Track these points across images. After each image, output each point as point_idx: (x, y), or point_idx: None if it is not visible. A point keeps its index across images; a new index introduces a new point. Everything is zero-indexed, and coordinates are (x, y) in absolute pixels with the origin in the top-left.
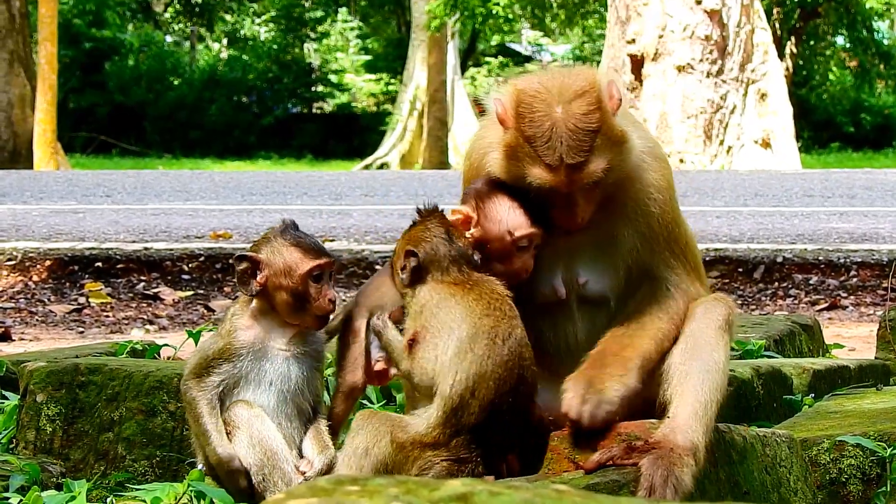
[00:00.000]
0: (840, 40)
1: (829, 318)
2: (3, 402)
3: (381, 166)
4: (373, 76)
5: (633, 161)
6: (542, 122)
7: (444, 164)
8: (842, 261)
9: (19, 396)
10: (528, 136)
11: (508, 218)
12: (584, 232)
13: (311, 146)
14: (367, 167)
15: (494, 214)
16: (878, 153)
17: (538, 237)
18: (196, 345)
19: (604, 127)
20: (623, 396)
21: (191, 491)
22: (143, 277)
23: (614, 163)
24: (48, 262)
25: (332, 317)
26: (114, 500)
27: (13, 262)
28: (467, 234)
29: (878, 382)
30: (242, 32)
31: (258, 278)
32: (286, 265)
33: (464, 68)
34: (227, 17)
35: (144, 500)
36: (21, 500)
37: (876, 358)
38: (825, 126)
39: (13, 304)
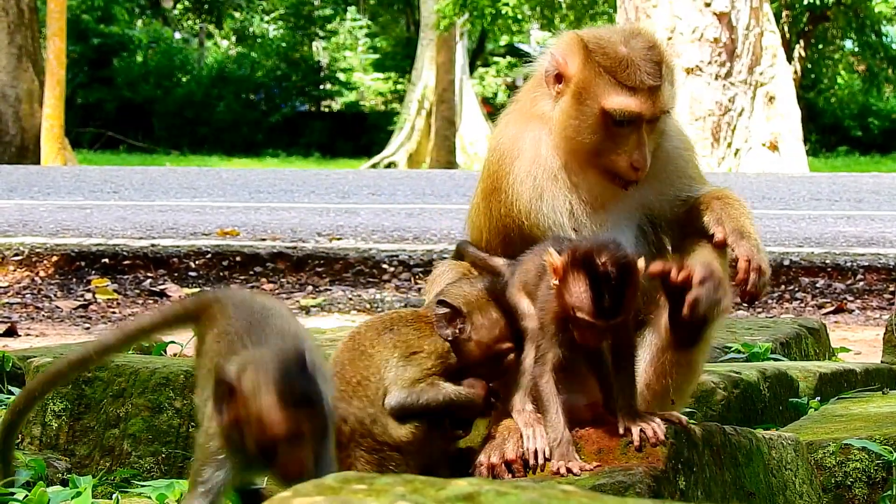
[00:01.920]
0: (849, 44)
1: (836, 322)
2: (8, 398)
3: (389, 165)
4: (381, 75)
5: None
6: (616, 52)
7: (451, 163)
8: (848, 264)
9: None
10: (606, 65)
11: (581, 297)
12: (621, 207)
13: (318, 144)
14: (374, 166)
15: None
16: (885, 157)
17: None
18: None
19: (666, 64)
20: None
21: None
22: (149, 274)
23: (674, 102)
24: (55, 258)
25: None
26: (119, 497)
27: (20, 258)
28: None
29: (884, 386)
30: (251, 30)
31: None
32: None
33: (472, 68)
34: (236, 15)
35: (150, 497)
36: (26, 496)
37: (882, 362)
38: (833, 130)
39: (20, 300)
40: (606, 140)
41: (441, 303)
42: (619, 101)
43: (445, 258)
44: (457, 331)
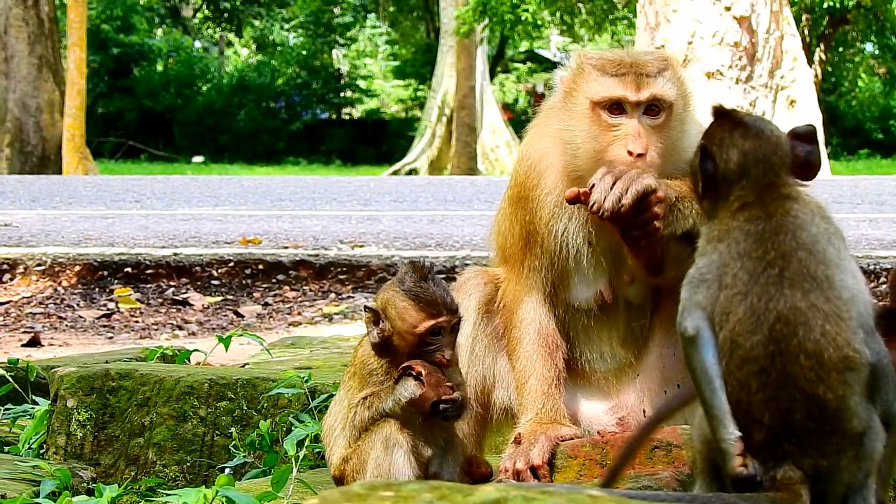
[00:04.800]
0: (869, 47)
1: None
2: (33, 408)
3: (410, 172)
4: (401, 82)
5: (690, 142)
6: (611, 54)
7: (472, 170)
8: (872, 267)
9: (50, 401)
10: (598, 65)
11: None
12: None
13: (339, 152)
14: (395, 173)
15: None
16: None
17: None
18: (226, 350)
19: (672, 71)
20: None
21: (220, 497)
22: (172, 283)
23: (680, 112)
24: (77, 268)
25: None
26: None
27: (43, 268)
28: None
29: None
30: (271, 38)
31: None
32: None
33: (492, 74)
34: (256, 23)
35: None
36: None
37: None
38: (854, 133)
39: (43, 310)
40: (601, 135)
41: (365, 308)
42: (603, 88)
43: (469, 264)
44: (381, 330)
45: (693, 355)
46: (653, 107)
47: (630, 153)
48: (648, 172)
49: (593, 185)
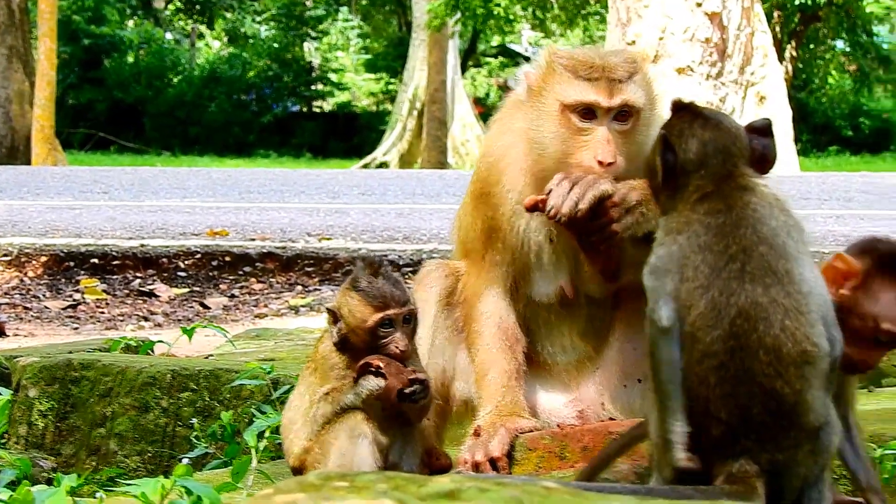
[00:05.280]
0: (840, 44)
1: None
2: None
3: (381, 165)
4: (373, 75)
5: None
6: (581, 54)
7: (443, 163)
8: None
9: (11, 391)
10: (568, 65)
11: (886, 303)
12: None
13: (310, 145)
14: (365, 166)
15: (875, 292)
16: (876, 157)
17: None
18: (190, 341)
19: (642, 75)
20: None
21: (179, 487)
22: (138, 274)
23: (647, 116)
24: (44, 258)
25: None
26: (104, 496)
27: (9, 258)
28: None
29: (869, 384)
30: (242, 30)
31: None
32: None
33: (464, 68)
34: (228, 15)
35: (134, 496)
36: (11, 496)
37: None
38: (824, 130)
39: (8, 300)
40: (570, 139)
41: (326, 309)
42: (576, 92)
43: (435, 258)
44: (339, 329)
45: (663, 346)
46: (623, 112)
47: (600, 162)
48: (606, 177)
49: (550, 191)
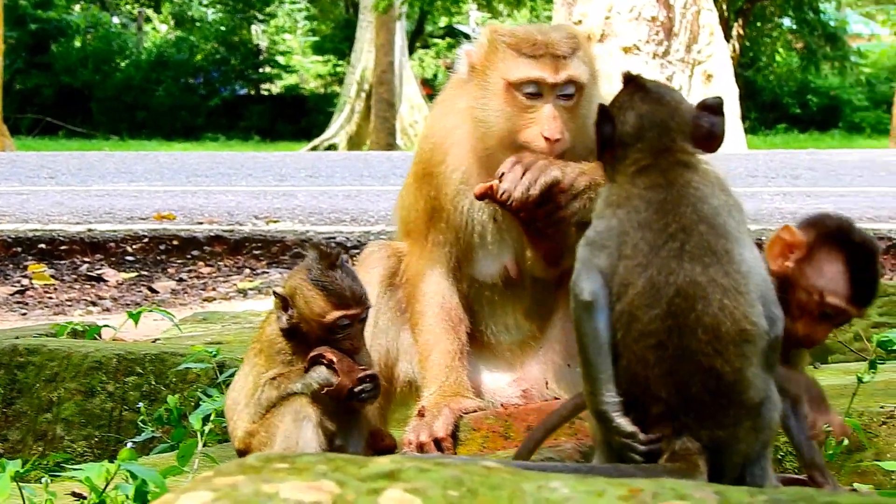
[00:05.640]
0: (787, 22)
1: None
2: None
3: (329, 148)
4: (320, 58)
5: None
6: (524, 31)
7: (391, 145)
8: None
9: None
10: (511, 43)
11: (831, 277)
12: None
13: (258, 128)
14: (314, 149)
15: (820, 265)
16: (824, 134)
17: (834, 321)
18: (136, 325)
19: (583, 50)
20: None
21: (123, 471)
22: (86, 259)
23: (590, 92)
24: None
25: None
26: (49, 481)
27: None
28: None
29: (814, 361)
30: (190, 14)
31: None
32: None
33: (411, 50)
34: None
35: (80, 481)
36: None
37: None
38: (772, 107)
39: None
40: (516, 116)
41: (274, 293)
42: (520, 70)
43: (383, 239)
44: (290, 316)
45: (585, 320)
46: (567, 88)
47: (547, 139)
48: (556, 164)
49: (502, 175)
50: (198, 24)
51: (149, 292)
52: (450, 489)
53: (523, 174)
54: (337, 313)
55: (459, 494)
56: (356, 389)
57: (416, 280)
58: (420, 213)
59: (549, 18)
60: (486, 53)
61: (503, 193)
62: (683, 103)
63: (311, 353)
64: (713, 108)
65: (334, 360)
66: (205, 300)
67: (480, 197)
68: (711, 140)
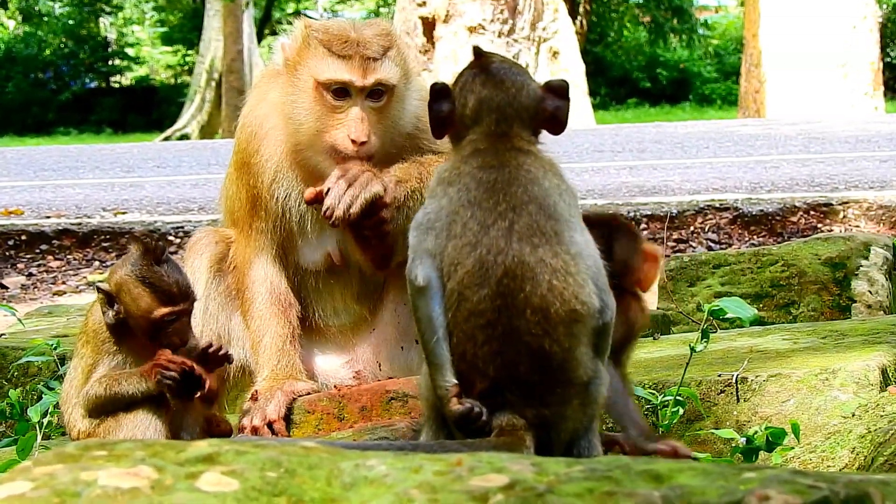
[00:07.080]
0: None
1: None
2: None
3: (182, 138)
4: (169, 48)
5: (415, 114)
6: (336, 29)
7: None
8: (631, 214)
9: None
10: (323, 40)
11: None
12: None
13: (110, 121)
14: (167, 139)
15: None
16: (675, 107)
17: None
18: None
19: (396, 49)
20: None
21: None
22: None
23: (402, 92)
24: None
25: None
26: None
27: None
28: None
29: (655, 332)
30: (37, 8)
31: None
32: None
33: (260, 37)
34: None
35: None
36: None
37: (657, 308)
38: (622, 82)
39: None
40: (325, 116)
41: (97, 288)
42: (329, 70)
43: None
44: (116, 312)
45: (421, 305)
46: (377, 90)
47: (353, 141)
48: (379, 178)
49: (329, 189)
50: (45, 18)
51: None
52: (268, 470)
53: (347, 189)
54: (164, 310)
55: (277, 475)
56: (193, 389)
57: (244, 267)
58: (242, 203)
59: (394, 1)
60: (298, 48)
61: (326, 210)
62: (527, 87)
63: (152, 366)
64: (558, 90)
65: (175, 375)
66: (55, 294)
67: (310, 202)
68: (556, 124)
